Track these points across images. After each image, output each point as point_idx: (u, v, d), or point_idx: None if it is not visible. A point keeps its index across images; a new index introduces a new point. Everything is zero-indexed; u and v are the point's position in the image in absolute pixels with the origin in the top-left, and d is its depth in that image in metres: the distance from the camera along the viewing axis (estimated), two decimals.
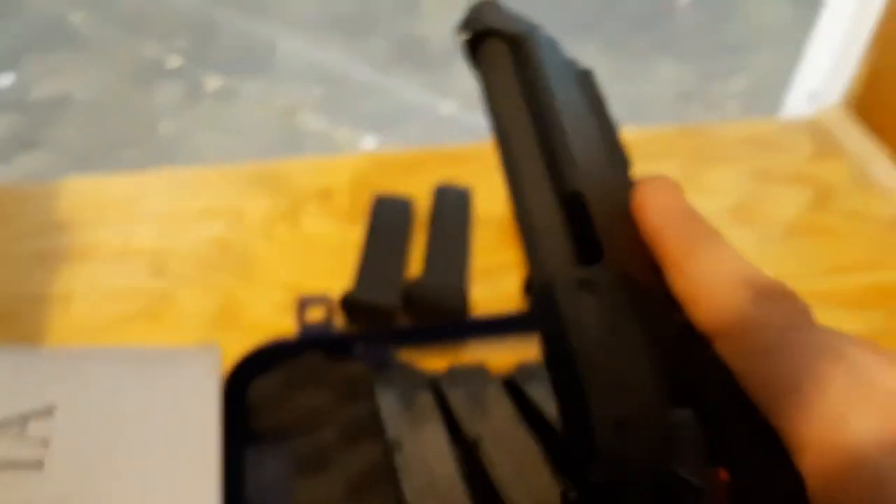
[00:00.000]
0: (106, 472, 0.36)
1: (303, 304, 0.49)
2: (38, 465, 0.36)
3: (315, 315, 0.49)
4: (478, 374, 0.45)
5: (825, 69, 0.78)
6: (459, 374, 0.45)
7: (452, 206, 0.59)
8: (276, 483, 0.41)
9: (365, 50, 2.18)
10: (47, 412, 0.38)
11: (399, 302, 0.51)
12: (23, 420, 0.37)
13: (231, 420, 0.42)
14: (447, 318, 0.50)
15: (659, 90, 2.12)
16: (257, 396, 0.45)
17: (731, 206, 0.65)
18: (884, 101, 0.73)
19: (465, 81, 2.25)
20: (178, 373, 0.41)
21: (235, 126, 1.94)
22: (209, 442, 0.38)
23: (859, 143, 0.72)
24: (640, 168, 0.69)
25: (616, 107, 0.29)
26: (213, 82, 2.07)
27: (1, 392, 0.38)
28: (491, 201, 0.62)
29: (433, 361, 0.48)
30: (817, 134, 0.73)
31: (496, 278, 0.56)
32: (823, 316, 0.60)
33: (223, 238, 0.57)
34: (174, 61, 2.12)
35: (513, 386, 0.44)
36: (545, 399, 0.43)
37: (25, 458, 0.36)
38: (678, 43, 2.28)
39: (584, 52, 2.21)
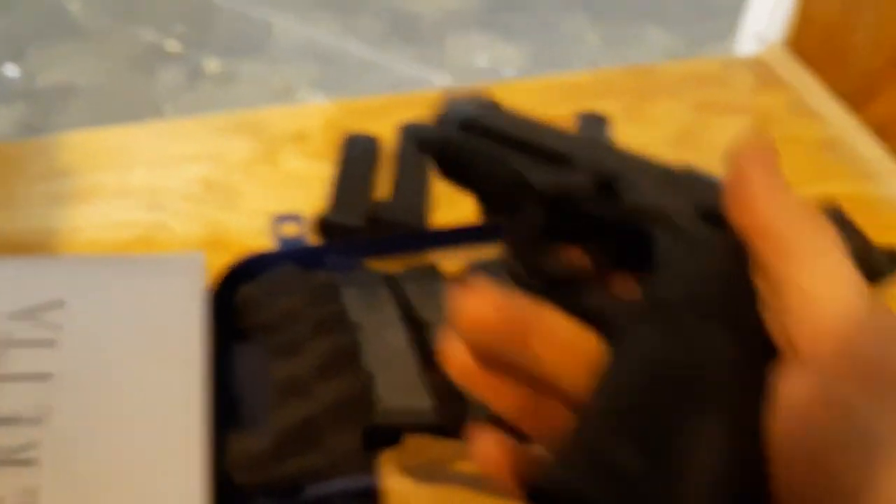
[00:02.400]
0: (108, 350, 0.44)
1: (278, 221, 0.56)
2: (51, 343, 0.43)
3: (289, 230, 0.56)
4: (429, 271, 0.52)
5: (767, 12, 0.84)
6: (414, 272, 0.52)
7: (416, 141, 0.66)
8: (259, 369, 0.48)
9: (358, 27, 2.24)
10: (58, 304, 0.45)
11: (366, 222, 0.58)
12: (38, 309, 0.45)
13: (220, 321, 0.50)
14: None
15: (648, 56, 2.17)
16: (241, 301, 0.52)
17: (673, 135, 0.71)
18: (815, 39, 0.79)
19: (457, 54, 2.28)
20: (168, 273, 0.48)
21: (235, 106, 2.01)
22: (193, 329, 0.45)
23: (797, 75, 0.78)
24: (587, 107, 0.75)
25: None
26: (212, 65, 2.13)
27: (20, 288, 0.46)
28: None
29: (395, 269, 0.55)
30: (758, 69, 0.79)
31: (455, 202, 0.62)
32: None
33: (209, 177, 0.64)
34: (173, 46, 2.18)
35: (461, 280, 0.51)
36: None
37: (41, 337, 0.43)
38: (666, 9, 2.32)
39: (574, 22, 2.27)
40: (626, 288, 0.33)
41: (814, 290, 0.25)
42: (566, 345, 0.29)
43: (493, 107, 0.41)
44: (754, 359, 0.26)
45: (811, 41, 0.79)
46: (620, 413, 0.26)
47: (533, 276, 0.32)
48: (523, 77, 1.92)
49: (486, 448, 0.29)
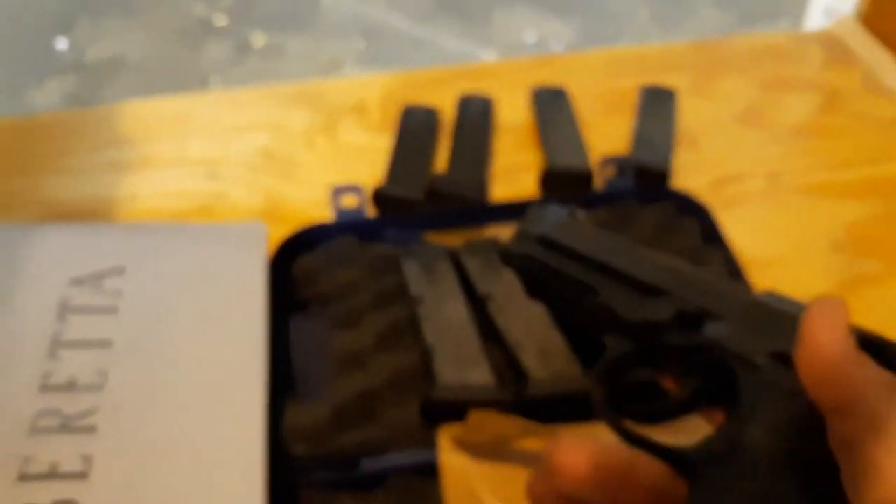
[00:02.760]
0: (169, 318, 0.43)
1: (337, 192, 0.55)
2: (113, 310, 0.43)
3: (349, 202, 0.55)
4: (491, 245, 0.50)
5: None
6: (475, 246, 0.51)
7: (475, 114, 0.65)
8: (318, 341, 0.48)
9: (406, 2, 2.22)
10: (119, 271, 0.45)
11: (425, 195, 0.57)
12: (100, 276, 0.44)
13: (278, 291, 0.49)
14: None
15: (699, 33, 2.12)
16: (300, 271, 0.51)
17: (741, 111, 0.69)
18: (891, 12, 0.76)
19: (504, 30, 2.26)
20: (229, 242, 0.47)
21: (282, 81, 2.00)
22: (255, 298, 0.45)
23: (870, 50, 0.75)
24: (652, 80, 0.73)
25: None
26: (259, 39, 2.13)
27: (82, 255, 0.45)
28: (511, 111, 0.67)
29: (454, 242, 0.54)
30: (830, 44, 0.76)
31: (514, 177, 0.61)
32: (825, 204, 0.65)
33: (268, 147, 0.63)
34: (221, 20, 2.18)
35: None
36: None
37: (103, 304, 0.43)
38: None
39: None
40: (716, 420, 0.34)
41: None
42: (654, 490, 0.31)
43: (575, 219, 0.43)
44: None
45: (887, 14, 0.76)
46: None
47: (617, 403, 0.33)
48: (587, 49, 1.89)
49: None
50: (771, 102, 0.70)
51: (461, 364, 0.43)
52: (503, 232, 0.54)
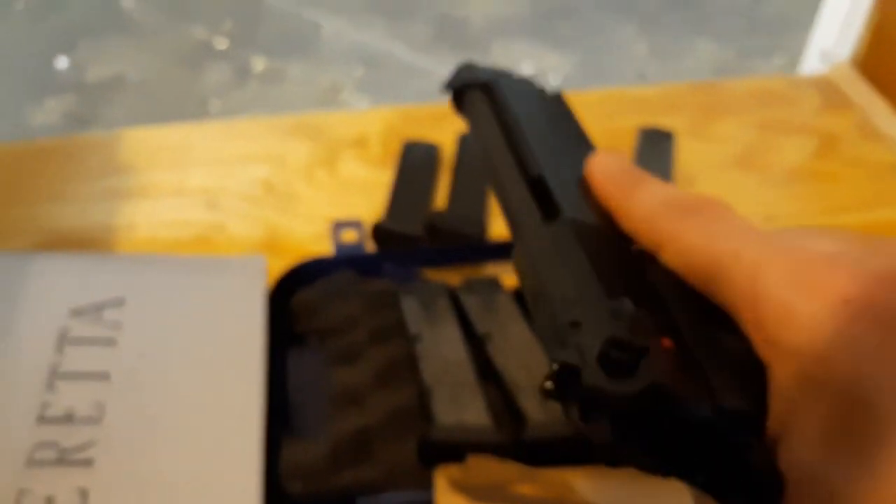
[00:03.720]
0: (167, 351, 0.43)
1: (337, 227, 0.55)
2: (112, 341, 0.43)
3: (348, 237, 0.56)
4: (491, 284, 0.51)
5: (836, 29, 0.82)
6: (474, 284, 0.51)
7: (475, 151, 0.65)
8: (315, 375, 0.48)
9: (406, 31, 2.24)
10: (119, 302, 0.45)
11: (424, 231, 0.57)
12: (99, 307, 0.44)
13: (276, 325, 0.49)
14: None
15: (697, 68, 2.14)
16: (298, 306, 0.51)
17: (737, 154, 0.69)
18: (887, 59, 0.77)
19: (503, 61, 2.29)
20: (229, 275, 0.48)
21: (281, 105, 2.01)
22: (254, 332, 0.45)
23: (865, 96, 0.76)
24: (650, 121, 0.74)
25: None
26: (259, 63, 2.14)
27: (83, 286, 0.45)
28: None
29: (453, 279, 0.54)
30: (825, 89, 0.77)
31: None
32: None
33: (268, 180, 0.64)
34: (221, 44, 2.19)
35: (521, 295, 0.50)
36: None
37: (102, 335, 0.43)
38: (715, 21, 2.29)
39: (622, 32, 2.25)
40: None
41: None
42: None
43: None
44: None
45: (882, 61, 0.77)
46: None
47: None
48: (584, 89, 1.91)
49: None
50: (767, 146, 0.70)
51: (458, 404, 0.43)
52: (503, 270, 0.55)
